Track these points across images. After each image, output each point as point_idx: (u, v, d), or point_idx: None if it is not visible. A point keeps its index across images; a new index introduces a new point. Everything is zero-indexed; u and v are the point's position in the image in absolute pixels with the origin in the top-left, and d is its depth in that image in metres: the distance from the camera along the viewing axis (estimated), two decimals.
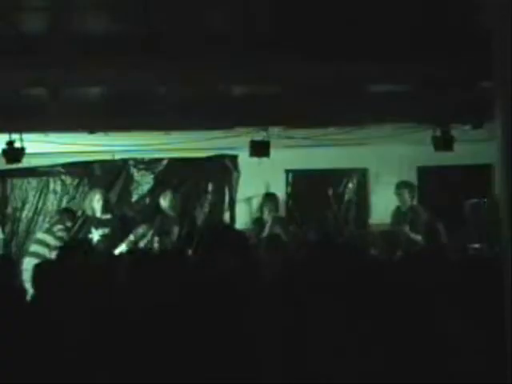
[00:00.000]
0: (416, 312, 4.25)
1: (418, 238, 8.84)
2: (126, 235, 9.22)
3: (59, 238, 9.51)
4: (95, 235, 9.29)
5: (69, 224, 9.66)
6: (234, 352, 3.87)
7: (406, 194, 9.74)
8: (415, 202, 9.88)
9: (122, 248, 8.84)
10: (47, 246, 9.44)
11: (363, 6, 6.23)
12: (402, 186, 9.86)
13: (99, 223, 9.40)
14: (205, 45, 6.71)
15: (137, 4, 6.18)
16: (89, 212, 9.62)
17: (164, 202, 9.72)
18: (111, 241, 9.18)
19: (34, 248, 9.53)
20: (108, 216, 9.57)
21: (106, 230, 9.34)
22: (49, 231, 9.68)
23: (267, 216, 9.91)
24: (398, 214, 9.71)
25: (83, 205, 9.76)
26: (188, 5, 6.19)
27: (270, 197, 10.12)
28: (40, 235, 9.74)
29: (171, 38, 6.61)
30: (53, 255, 9.08)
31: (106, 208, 9.62)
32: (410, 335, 4.13)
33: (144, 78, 7.37)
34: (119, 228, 9.46)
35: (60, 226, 9.60)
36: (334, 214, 11.38)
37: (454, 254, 7.36)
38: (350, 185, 11.72)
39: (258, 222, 9.89)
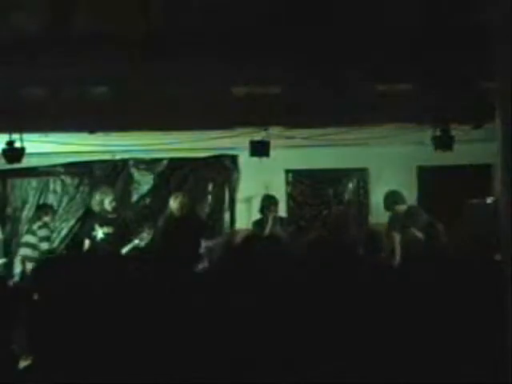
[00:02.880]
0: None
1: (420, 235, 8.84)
2: (129, 235, 9.23)
3: (41, 238, 9.52)
4: (99, 233, 9.28)
5: (46, 219, 9.66)
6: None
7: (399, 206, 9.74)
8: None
9: (126, 250, 8.86)
10: (33, 247, 9.45)
11: (364, 6, 6.24)
12: (393, 199, 9.82)
13: (104, 221, 9.38)
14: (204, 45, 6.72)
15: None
16: (96, 209, 9.56)
17: (174, 203, 9.66)
18: (114, 239, 9.18)
19: (22, 251, 9.53)
20: (113, 215, 9.55)
21: (110, 229, 9.32)
22: (31, 232, 9.68)
23: (267, 217, 9.90)
24: (396, 217, 9.69)
25: (91, 202, 9.72)
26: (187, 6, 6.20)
27: (269, 198, 10.10)
28: (25, 237, 9.74)
29: (171, 37, 6.61)
30: (39, 256, 9.14)
31: (115, 206, 9.60)
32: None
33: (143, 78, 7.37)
34: (122, 228, 9.45)
35: (39, 224, 9.60)
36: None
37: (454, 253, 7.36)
38: (350, 185, 11.73)
39: (259, 223, 9.88)
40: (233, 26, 6.61)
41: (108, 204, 9.42)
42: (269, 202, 9.98)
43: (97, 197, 9.58)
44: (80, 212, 10.93)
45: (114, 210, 9.47)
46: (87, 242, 9.24)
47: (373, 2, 6.39)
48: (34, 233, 9.59)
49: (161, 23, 6.53)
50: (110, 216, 9.42)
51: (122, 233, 9.30)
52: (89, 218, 9.65)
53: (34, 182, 11.03)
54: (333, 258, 4.71)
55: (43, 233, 9.60)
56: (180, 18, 6.46)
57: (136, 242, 8.97)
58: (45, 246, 9.51)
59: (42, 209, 9.95)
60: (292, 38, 6.68)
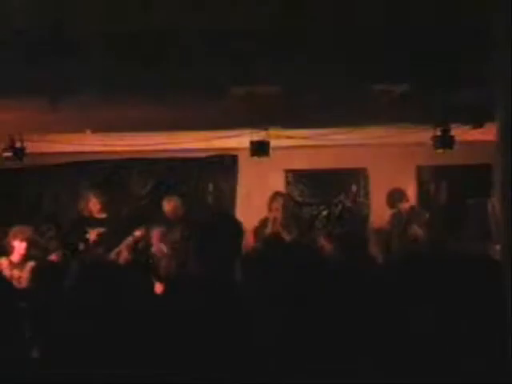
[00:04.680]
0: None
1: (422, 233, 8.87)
2: (123, 235, 9.22)
3: (48, 239, 9.52)
4: (91, 235, 9.30)
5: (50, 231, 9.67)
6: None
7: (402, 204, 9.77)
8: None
9: (119, 250, 8.84)
10: (36, 246, 9.46)
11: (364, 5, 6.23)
12: (396, 197, 9.84)
13: (95, 223, 9.41)
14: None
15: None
16: (85, 213, 9.61)
17: (168, 206, 9.69)
18: (107, 240, 9.19)
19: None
20: (104, 215, 9.57)
21: (102, 230, 9.35)
22: (38, 232, 9.69)
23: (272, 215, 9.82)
24: (399, 215, 9.72)
25: (79, 206, 9.76)
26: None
27: (278, 195, 10.04)
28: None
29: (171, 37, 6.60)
30: (44, 256, 9.14)
31: (101, 208, 9.61)
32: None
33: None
34: (115, 228, 9.46)
35: (46, 227, 9.63)
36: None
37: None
38: (350, 185, 11.72)
39: (263, 222, 9.81)
40: (233, 26, 6.59)
41: (93, 206, 9.47)
42: (277, 200, 9.91)
43: (81, 202, 9.64)
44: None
45: (101, 210, 9.50)
46: (81, 245, 9.25)
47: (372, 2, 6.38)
48: (42, 234, 9.59)
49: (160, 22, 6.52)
50: (99, 217, 9.46)
51: (115, 232, 9.30)
52: (79, 221, 9.66)
53: (34, 182, 11.04)
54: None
55: (51, 235, 9.59)
56: (179, 18, 6.45)
57: (130, 240, 8.95)
58: (53, 244, 9.50)
59: (48, 220, 9.96)
60: (291, 37, 6.67)
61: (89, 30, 6.23)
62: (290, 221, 10.12)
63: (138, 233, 8.97)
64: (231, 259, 4.04)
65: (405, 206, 9.74)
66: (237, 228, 4.11)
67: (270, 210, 9.89)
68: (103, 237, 9.27)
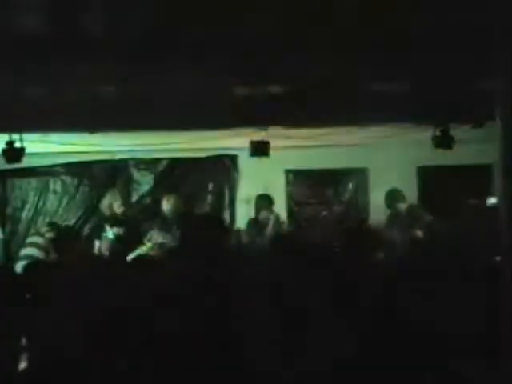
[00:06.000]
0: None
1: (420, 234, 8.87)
2: (139, 236, 9.23)
3: (48, 239, 9.52)
4: (109, 233, 9.32)
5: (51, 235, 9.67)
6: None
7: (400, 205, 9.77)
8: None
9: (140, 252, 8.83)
10: (38, 247, 9.46)
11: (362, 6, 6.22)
12: (394, 197, 9.84)
13: (115, 222, 9.42)
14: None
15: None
16: (105, 212, 9.63)
17: (167, 205, 9.70)
18: (124, 241, 9.20)
19: (26, 251, 9.53)
20: (123, 216, 9.60)
21: (121, 230, 9.36)
22: (38, 233, 9.71)
23: (263, 217, 9.78)
24: (397, 216, 9.72)
25: (101, 204, 9.79)
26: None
27: (264, 198, 10.01)
28: (30, 238, 9.75)
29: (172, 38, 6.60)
30: (43, 255, 9.16)
31: (120, 208, 9.65)
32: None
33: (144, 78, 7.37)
34: (133, 228, 9.49)
35: (46, 228, 9.66)
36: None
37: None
38: (350, 185, 11.73)
39: (255, 223, 9.79)
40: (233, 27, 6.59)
41: (117, 208, 9.50)
42: (265, 202, 9.90)
43: (105, 201, 9.67)
44: (80, 212, 10.95)
45: (123, 213, 9.56)
46: (97, 243, 9.27)
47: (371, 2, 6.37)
48: (42, 235, 9.60)
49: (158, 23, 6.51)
50: (120, 217, 9.49)
51: (132, 234, 9.32)
52: (98, 218, 9.70)
53: (33, 182, 11.04)
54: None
55: (50, 235, 9.60)
56: (178, 18, 6.45)
57: (149, 245, 8.94)
58: (53, 246, 9.51)
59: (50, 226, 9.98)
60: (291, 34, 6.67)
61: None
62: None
63: (158, 239, 8.99)
64: (211, 260, 4.03)
65: (403, 206, 9.75)
66: (218, 229, 4.09)
67: (259, 211, 9.83)
68: (119, 236, 9.30)
